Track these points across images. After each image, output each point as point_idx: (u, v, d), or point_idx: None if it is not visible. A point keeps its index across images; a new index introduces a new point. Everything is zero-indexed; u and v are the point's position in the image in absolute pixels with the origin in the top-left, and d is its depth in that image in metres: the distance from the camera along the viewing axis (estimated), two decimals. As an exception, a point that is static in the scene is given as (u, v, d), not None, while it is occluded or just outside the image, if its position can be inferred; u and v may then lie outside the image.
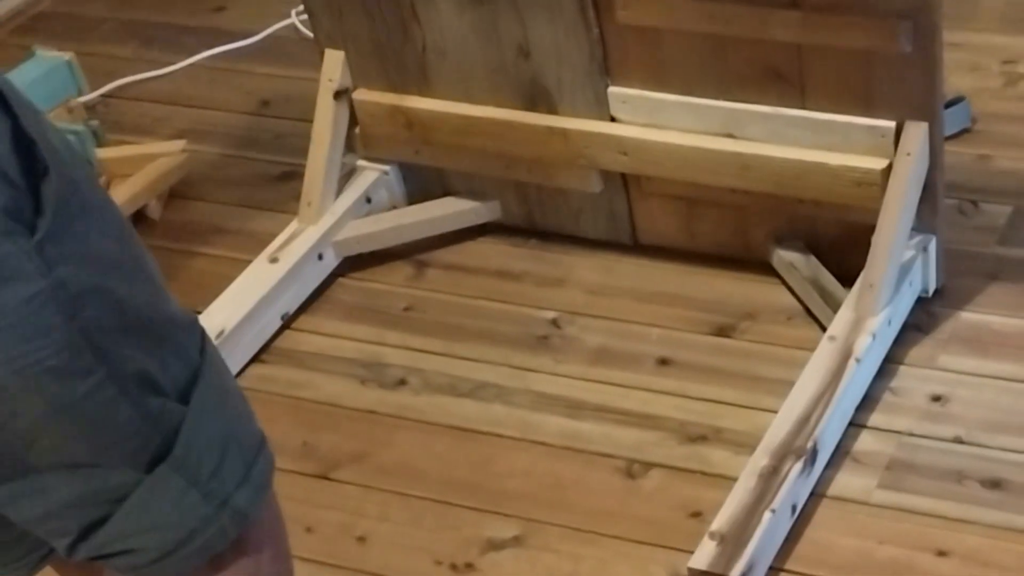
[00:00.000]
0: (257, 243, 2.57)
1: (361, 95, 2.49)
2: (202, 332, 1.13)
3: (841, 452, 2.09)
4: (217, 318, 2.35)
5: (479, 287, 2.49)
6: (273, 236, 2.60)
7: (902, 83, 2.08)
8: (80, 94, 2.90)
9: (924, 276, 2.26)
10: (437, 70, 2.39)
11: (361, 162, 2.59)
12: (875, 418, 2.14)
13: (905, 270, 2.20)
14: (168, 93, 3.15)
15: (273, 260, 2.46)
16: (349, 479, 2.19)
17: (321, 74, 2.49)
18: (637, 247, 2.50)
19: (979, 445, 2.09)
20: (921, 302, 2.29)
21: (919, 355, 2.23)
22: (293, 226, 2.52)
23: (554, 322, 2.40)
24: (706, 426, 2.17)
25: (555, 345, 2.36)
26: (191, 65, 3.22)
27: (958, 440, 2.10)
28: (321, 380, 2.37)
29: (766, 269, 2.38)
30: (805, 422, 2.01)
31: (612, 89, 2.28)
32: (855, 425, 2.13)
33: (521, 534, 2.07)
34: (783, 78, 2.15)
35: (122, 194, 2.72)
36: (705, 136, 2.24)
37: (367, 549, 2.08)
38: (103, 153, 2.80)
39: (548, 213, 2.50)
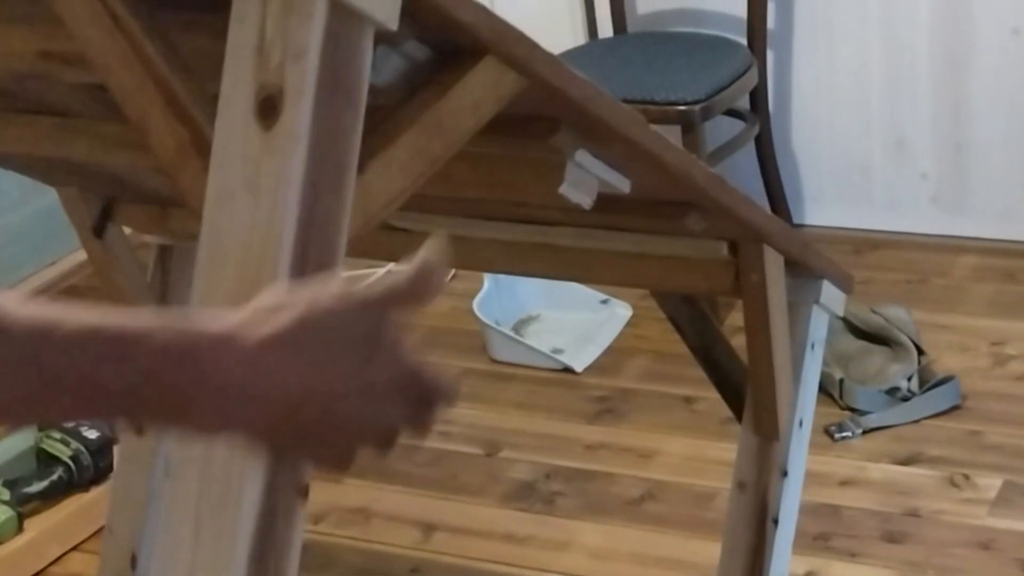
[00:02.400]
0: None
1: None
2: None
3: None
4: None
5: (485, 550, 2.55)
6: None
7: (716, 232, 1.72)
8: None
9: (823, 326, 1.93)
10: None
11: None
12: None
13: (800, 341, 1.88)
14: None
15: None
16: None
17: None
18: (639, 517, 2.58)
19: None
20: (913, 567, 2.35)
21: (914, 621, 2.29)
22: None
23: (558, 584, 2.46)
24: None
25: (558, 606, 2.41)
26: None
27: None
28: (328, 638, 2.42)
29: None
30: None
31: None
32: None
33: None
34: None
35: (142, 455, 2.81)
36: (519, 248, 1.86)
37: None
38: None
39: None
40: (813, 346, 1.89)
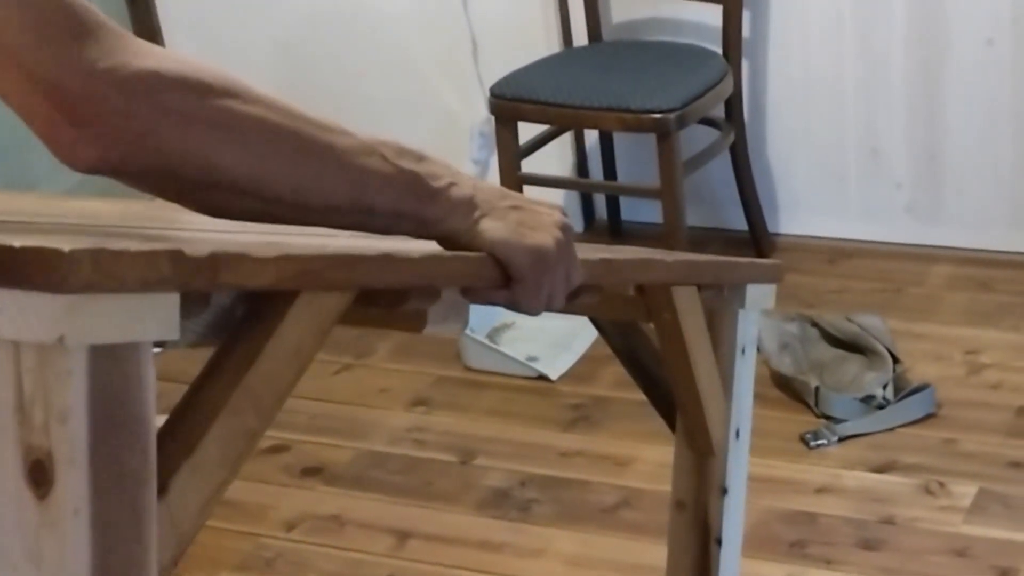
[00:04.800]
0: (244, 514, 2.63)
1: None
2: None
3: None
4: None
5: (460, 557, 2.54)
6: (262, 508, 2.66)
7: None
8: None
9: (752, 327, 1.79)
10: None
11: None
12: None
13: (729, 348, 1.76)
14: (163, 371, 3.25)
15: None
16: None
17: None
18: (614, 524, 2.57)
19: None
20: (889, 574, 2.35)
21: (890, 628, 2.28)
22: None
23: (533, 592, 2.44)
24: None
25: (533, 614, 2.40)
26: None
27: None
28: (302, 647, 2.40)
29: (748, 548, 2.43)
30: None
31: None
32: None
33: None
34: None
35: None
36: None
37: None
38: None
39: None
40: (744, 350, 1.77)
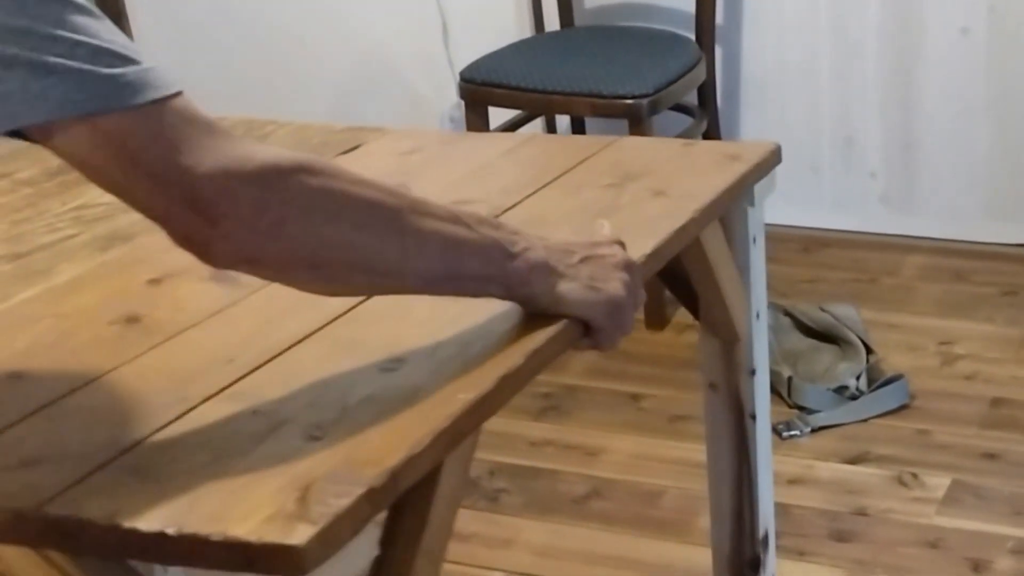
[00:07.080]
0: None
1: None
2: None
3: None
4: None
5: (427, 547, 2.50)
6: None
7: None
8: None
9: (760, 214, 1.89)
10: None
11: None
12: None
13: (742, 242, 1.86)
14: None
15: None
16: None
17: None
18: (585, 514, 2.53)
19: None
20: (861, 566, 2.32)
21: (863, 621, 2.25)
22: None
23: (501, 583, 2.41)
24: None
25: (502, 605, 2.36)
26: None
27: None
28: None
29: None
30: (739, 517, 1.96)
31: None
32: None
33: None
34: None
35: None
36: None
37: None
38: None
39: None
40: (755, 239, 1.89)
